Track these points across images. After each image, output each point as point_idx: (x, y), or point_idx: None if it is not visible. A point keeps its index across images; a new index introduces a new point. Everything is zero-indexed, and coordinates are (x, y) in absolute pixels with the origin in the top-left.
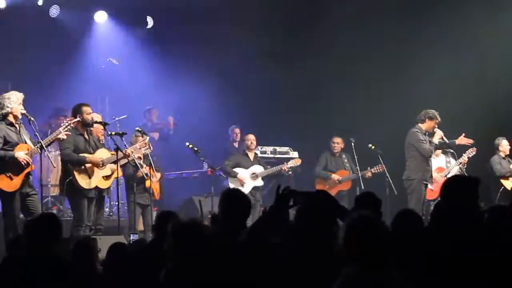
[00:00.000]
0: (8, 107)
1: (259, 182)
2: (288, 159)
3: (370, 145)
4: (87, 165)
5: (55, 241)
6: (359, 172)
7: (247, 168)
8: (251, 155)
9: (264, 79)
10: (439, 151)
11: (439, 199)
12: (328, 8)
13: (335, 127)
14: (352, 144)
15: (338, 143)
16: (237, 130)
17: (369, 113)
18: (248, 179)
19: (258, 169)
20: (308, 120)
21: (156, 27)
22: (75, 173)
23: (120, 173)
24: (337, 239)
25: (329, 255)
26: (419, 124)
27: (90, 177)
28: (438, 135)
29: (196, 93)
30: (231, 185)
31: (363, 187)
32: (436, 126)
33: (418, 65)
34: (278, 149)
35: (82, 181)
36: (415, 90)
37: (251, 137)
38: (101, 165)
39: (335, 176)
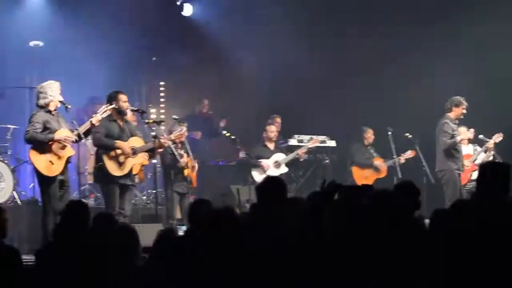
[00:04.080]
0: (51, 95)
1: (283, 169)
2: (326, 148)
3: (407, 134)
4: (118, 152)
5: (83, 227)
6: (396, 160)
7: (268, 158)
8: (271, 146)
9: (302, 68)
10: (466, 140)
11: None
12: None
13: (371, 116)
14: (390, 134)
15: (372, 134)
16: (278, 120)
17: (407, 102)
18: (271, 168)
19: (280, 156)
20: (347, 109)
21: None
22: (105, 158)
23: (150, 161)
24: None
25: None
26: (448, 114)
27: (120, 165)
28: (466, 137)
29: (236, 81)
30: (255, 176)
31: (400, 176)
32: (465, 111)
33: (451, 54)
34: (315, 137)
35: (112, 167)
36: (450, 78)
37: (274, 129)
38: (131, 154)
39: (378, 162)
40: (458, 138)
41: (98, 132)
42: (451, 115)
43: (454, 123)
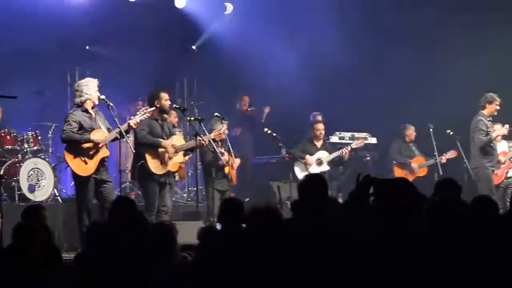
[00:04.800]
0: (87, 94)
1: (325, 167)
2: (367, 145)
3: (448, 131)
4: (160, 150)
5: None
6: (437, 157)
7: (312, 155)
8: (318, 144)
9: (343, 65)
10: (500, 136)
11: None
12: None
13: (412, 113)
14: (431, 130)
15: (413, 131)
16: (319, 117)
17: (449, 98)
18: (313, 164)
19: (323, 154)
20: (388, 105)
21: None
22: (148, 157)
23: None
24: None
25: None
26: (481, 111)
27: (162, 163)
28: (501, 132)
29: (278, 79)
30: (297, 172)
31: (441, 173)
32: (498, 107)
33: (490, 50)
34: (356, 135)
35: (154, 165)
36: (490, 74)
37: (321, 127)
38: (174, 152)
39: (414, 164)
40: (493, 135)
41: (143, 130)
42: (485, 112)
43: (488, 120)
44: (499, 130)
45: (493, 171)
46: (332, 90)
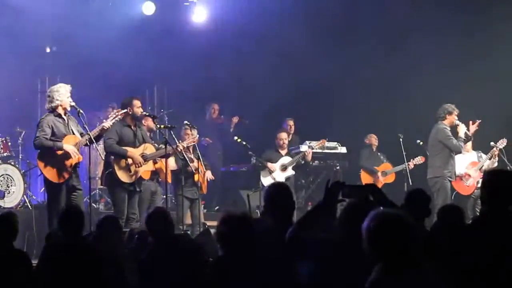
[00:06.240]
0: (58, 99)
1: (290, 172)
2: (337, 154)
3: (418, 141)
4: (129, 160)
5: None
6: (407, 166)
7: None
8: (283, 152)
9: (315, 75)
10: (469, 147)
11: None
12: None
13: (382, 123)
14: (401, 140)
15: (375, 138)
16: (291, 123)
17: (420, 109)
18: (278, 170)
19: (286, 159)
20: (359, 116)
21: None
22: (115, 166)
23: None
24: None
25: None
26: (442, 122)
27: (130, 171)
28: (463, 130)
29: (249, 86)
30: (263, 180)
31: (411, 183)
32: (457, 118)
33: (460, 64)
34: (326, 143)
35: (122, 174)
36: (458, 87)
37: (284, 136)
38: (143, 163)
39: (380, 172)
40: (461, 135)
41: (110, 139)
42: (446, 122)
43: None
44: (461, 129)
45: (450, 181)
46: (303, 100)
